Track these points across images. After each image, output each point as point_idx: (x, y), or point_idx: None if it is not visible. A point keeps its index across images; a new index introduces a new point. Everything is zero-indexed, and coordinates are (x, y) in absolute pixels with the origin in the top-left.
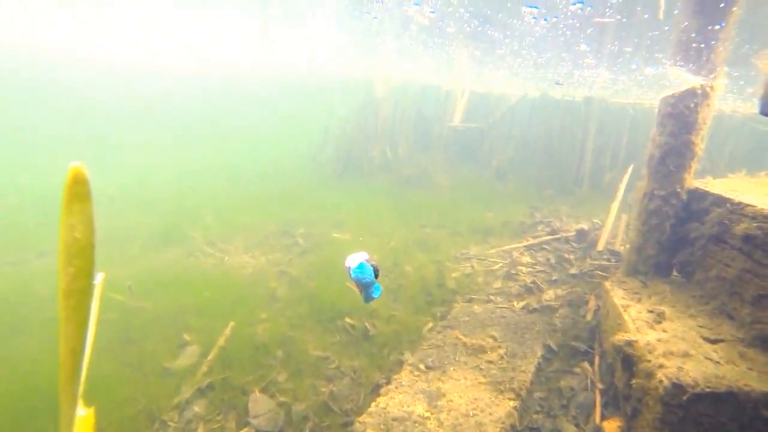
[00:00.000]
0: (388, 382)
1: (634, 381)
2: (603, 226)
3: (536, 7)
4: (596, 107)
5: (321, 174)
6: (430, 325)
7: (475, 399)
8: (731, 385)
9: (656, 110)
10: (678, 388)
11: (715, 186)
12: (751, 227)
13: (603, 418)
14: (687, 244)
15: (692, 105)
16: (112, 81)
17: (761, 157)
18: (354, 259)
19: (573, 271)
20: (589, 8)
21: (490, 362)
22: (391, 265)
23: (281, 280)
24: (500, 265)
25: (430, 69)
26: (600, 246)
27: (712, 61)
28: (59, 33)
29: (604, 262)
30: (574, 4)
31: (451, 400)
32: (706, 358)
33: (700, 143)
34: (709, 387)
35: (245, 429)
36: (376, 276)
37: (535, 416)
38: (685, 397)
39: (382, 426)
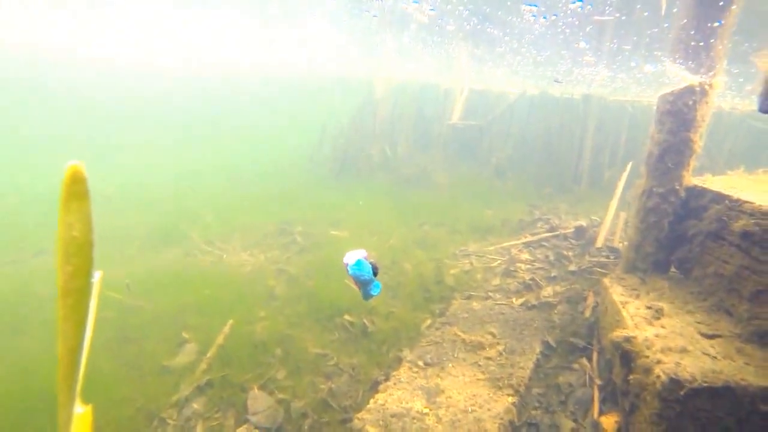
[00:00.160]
0: (387, 379)
1: (632, 376)
2: (601, 223)
3: (536, 5)
4: (595, 105)
5: (320, 173)
6: (429, 321)
7: (474, 395)
8: (728, 380)
9: (655, 108)
10: (675, 383)
11: (713, 183)
12: (749, 224)
13: (601, 413)
14: (685, 241)
15: (691, 102)
16: (112, 81)
17: (760, 154)
18: (352, 256)
19: (572, 268)
20: (589, 6)
21: (489, 359)
22: (390, 263)
23: (280, 279)
24: (499, 262)
25: (430, 67)
26: (599, 243)
27: (711, 58)
28: (59, 33)
29: (602, 259)
30: (574, 2)
31: (449, 397)
32: (704, 354)
33: (699, 140)
34: (706, 382)
35: (244, 426)
36: (375, 274)
37: (533, 412)
38: (682, 392)
39: (380, 422)
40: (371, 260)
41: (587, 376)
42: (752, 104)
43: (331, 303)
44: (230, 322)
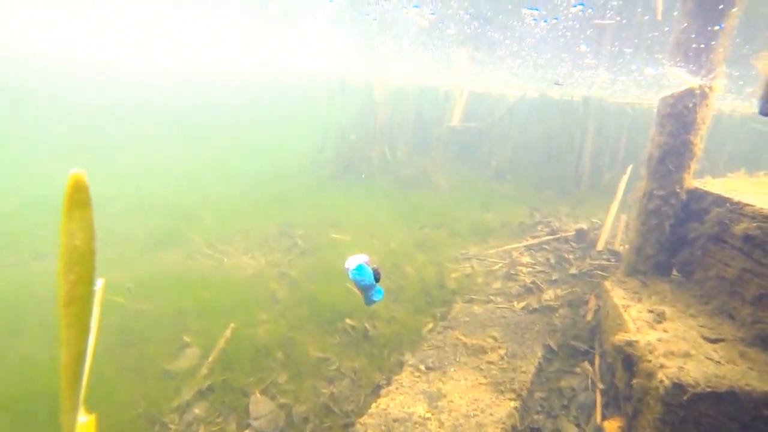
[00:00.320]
0: (389, 383)
1: (634, 381)
2: (602, 225)
3: (537, 9)
4: (595, 107)
5: (320, 175)
6: (431, 325)
7: (476, 399)
8: (732, 385)
9: (655, 110)
10: (679, 387)
11: (714, 186)
12: (751, 227)
13: (604, 418)
14: (686, 244)
15: (691, 105)
16: (112, 81)
17: (760, 156)
18: (353, 261)
19: (573, 271)
20: (590, 10)
21: (491, 363)
22: (391, 266)
23: (281, 282)
24: (500, 265)
25: (430, 70)
26: (599, 246)
27: (711, 61)
28: (59, 34)
29: (603, 262)
30: (575, 6)
31: (451, 401)
32: (707, 358)
33: (699, 143)
34: (709, 387)
35: (246, 431)
36: (377, 280)
37: (535, 416)
38: (685, 397)
39: (382, 427)
40: (373, 266)
41: (589, 380)
42: (753, 107)
43: (332, 306)
44: (231, 325)
